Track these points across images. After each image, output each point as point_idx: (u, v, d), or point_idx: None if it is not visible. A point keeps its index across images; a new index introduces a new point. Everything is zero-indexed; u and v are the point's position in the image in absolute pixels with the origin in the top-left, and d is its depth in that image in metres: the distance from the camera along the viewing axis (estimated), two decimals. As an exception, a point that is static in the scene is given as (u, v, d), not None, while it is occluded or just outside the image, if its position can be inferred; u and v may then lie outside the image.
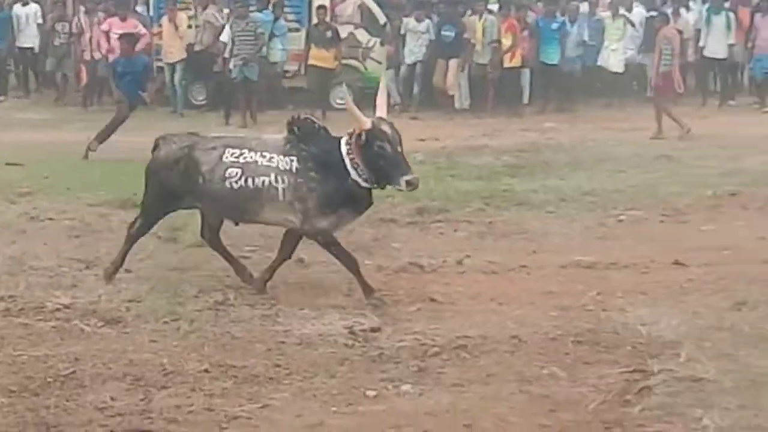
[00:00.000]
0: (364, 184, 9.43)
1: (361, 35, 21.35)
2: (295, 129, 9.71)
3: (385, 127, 9.40)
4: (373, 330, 9.35)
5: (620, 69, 22.56)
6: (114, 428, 7.27)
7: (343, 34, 20.86)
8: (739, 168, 15.84)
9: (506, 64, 21.08)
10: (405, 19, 21.15)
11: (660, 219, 13.35)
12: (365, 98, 20.86)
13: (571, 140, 17.81)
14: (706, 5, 22.25)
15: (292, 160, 9.58)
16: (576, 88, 22.27)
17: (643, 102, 21.52)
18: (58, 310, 9.71)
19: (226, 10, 20.82)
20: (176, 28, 20.75)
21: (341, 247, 9.91)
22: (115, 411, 7.60)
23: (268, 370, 8.47)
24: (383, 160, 9.28)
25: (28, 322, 9.46)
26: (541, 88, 22.39)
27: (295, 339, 9.16)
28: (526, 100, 21.52)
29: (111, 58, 19.37)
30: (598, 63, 22.15)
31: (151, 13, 21.62)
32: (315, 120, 10.01)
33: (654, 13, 21.48)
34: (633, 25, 22.28)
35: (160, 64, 21.30)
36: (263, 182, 9.60)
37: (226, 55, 20.00)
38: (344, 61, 20.75)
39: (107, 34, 20.56)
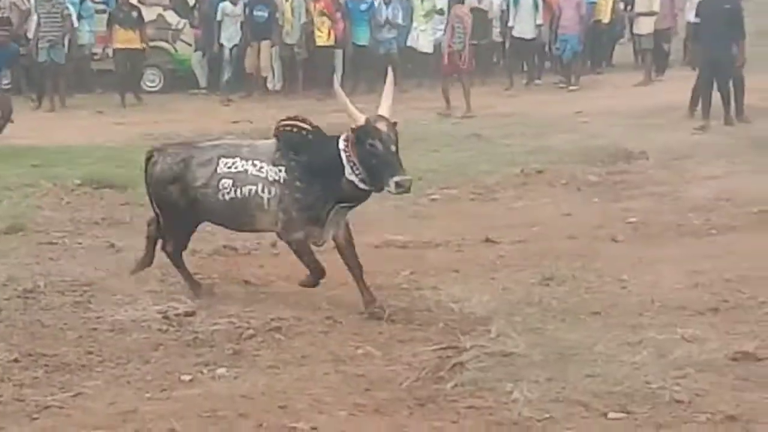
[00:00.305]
0: (361, 185, 8.99)
1: (171, 17, 21.09)
2: (282, 137, 9.31)
3: (380, 125, 8.91)
4: (188, 314, 9.28)
5: (430, 50, 22.77)
6: None
7: (152, 16, 20.58)
8: (544, 146, 16.17)
9: (318, 44, 21.06)
10: (221, 4, 20.83)
11: (471, 197, 13.52)
12: (176, 81, 20.78)
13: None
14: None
15: (280, 170, 9.19)
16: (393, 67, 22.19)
17: (453, 81, 21.73)
18: None
19: (32, -8, 20.26)
20: (-22, 11, 20.10)
21: (313, 258, 9.49)
22: None
23: (80, 358, 8.33)
24: (375, 159, 8.82)
25: None
26: (352, 68, 22.42)
27: (107, 325, 9.03)
28: (338, 80, 21.52)
29: None
30: (408, 44, 22.30)
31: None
32: (304, 125, 9.36)
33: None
34: (442, 13, 22.47)
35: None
36: (250, 191, 9.22)
37: (30, 36, 19.50)
38: (154, 43, 20.44)
39: None
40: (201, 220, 9.85)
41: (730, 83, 17.09)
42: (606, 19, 23.51)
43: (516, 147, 16.24)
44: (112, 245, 11.11)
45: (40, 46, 19.35)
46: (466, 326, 8.96)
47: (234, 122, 17.92)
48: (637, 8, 22.75)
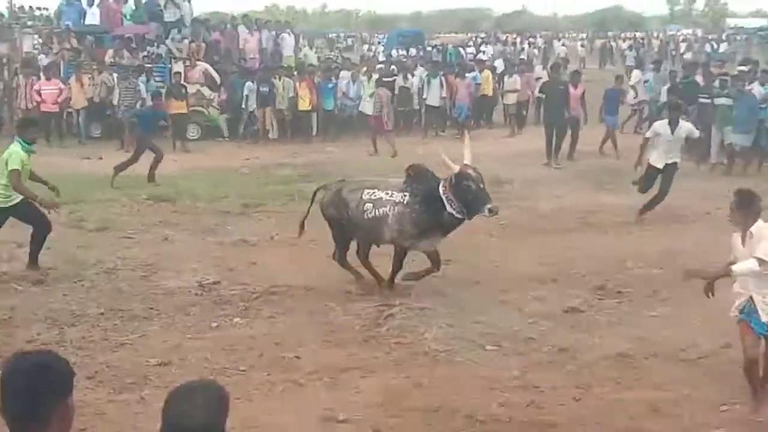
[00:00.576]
0: (458, 216, 8.41)
1: (205, 91, 20.89)
2: (411, 173, 8.77)
3: (470, 171, 8.38)
4: (215, 283, 9.25)
5: (372, 112, 22.55)
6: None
7: (193, 90, 20.36)
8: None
9: (300, 108, 20.96)
10: (247, 83, 20.47)
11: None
12: (209, 131, 20.58)
13: (344, 159, 17.82)
14: (425, 72, 22.51)
15: (405, 195, 8.68)
16: (349, 126, 22.03)
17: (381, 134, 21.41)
18: (-1, 275, 9.32)
19: (115, 75, 19.98)
20: (81, 85, 19.79)
21: (402, 261, 8.91)
22: (39, 343, 7.34)
23: (144, 312, 8.31)
24: (470, 195, 8.26)
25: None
26: (323, 125, 22.18)
27: (162, 290, 8.99)
28: (314, 132, 21.40)
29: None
30: (360, 109, 22.18)
31: (62, 74, 20.48)
32: (426, 167, 8.83)
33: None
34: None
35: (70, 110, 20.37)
36: (382, 212, 8.71)
37: (115, 103, 19.27)
38: (194, 108, 20.22)
39: (38, 91, 19.47)
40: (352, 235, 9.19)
41: (563, 137, 17.06)
42: (490, 93, 23.51)
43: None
44: (166, 238, 11.00)
45: (121, 109, 19.10)
46: (395, 290, 8.99)
47: (246, 159, 17.74)
48: (506, 87, 22.90)
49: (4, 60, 21.14)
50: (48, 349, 3.52)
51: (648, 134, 12.23)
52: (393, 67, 24.03)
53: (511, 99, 23.06)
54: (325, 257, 9.52)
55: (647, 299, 8.70)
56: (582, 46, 48.72)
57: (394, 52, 33.27)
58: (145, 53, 21.91)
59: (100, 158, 17.09)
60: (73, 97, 19.71)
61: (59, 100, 19.33)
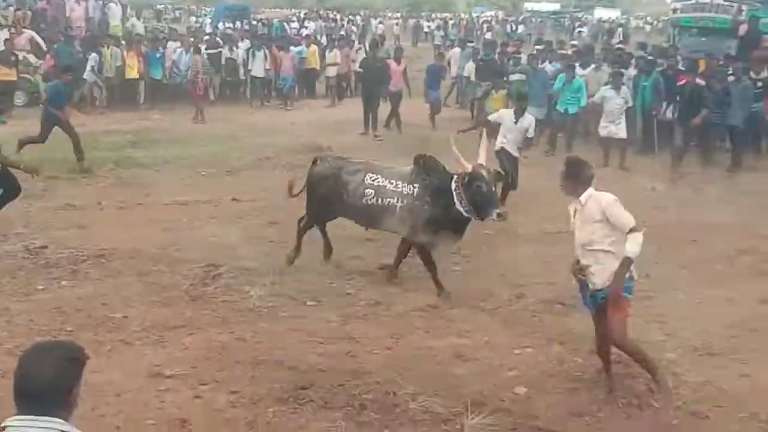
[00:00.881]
0: (465, 214, 7.70)
1: (31, 58, 19.66)
2: (421, 163, 8.02)
3: (483, 172, 7.62)
4: (42, 247, 8.83)
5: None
6: None
7: (19, 58, 19.07)
8: (272, 142, 15.89)
9: (128, 76, 20.10)
10: (93, 55, 19.30)
11: (225, 174, 13.28)
12: (33, 98, 19.37)
13: (170, 126, 17.35)
14: (250, 45, 22.06)
15: (414, 188, 7.94)
16: (180, 95, 21.30)
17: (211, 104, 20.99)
18: None
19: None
20: None
21: (429, 256, 8.09)
22: None
23: (-33, 277, 7.84)
24: (480, 197, 7.57)
25: None
26: (151, 94, 21.36)
27: (-13, 254, 8.50)
28: (142, 100, 20.58)
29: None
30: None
31: None
32: (437, 160, 8.03)
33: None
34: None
35: None
36: (388, 202, 7.99)
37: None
38: (21, 75, 18.96)
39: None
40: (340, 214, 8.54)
41: (377, 109, 17.24)
42: (316, 66, 23.40)
43: (254, 143, 15.95)
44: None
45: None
46: (221, 251, 8.90)
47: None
48: (327, 61, 22.84)
49: None
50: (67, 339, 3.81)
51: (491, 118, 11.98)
52: (218, 39, 23.46)
53: (331, 72, 23.11)
54: (153, 221, 9.28)
55: (452, 255, 9.01)
56: (397, 24, 49.47)
57: (220, 25, 32.46)
58: (-31, 21, 20.41)
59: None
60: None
61: None
